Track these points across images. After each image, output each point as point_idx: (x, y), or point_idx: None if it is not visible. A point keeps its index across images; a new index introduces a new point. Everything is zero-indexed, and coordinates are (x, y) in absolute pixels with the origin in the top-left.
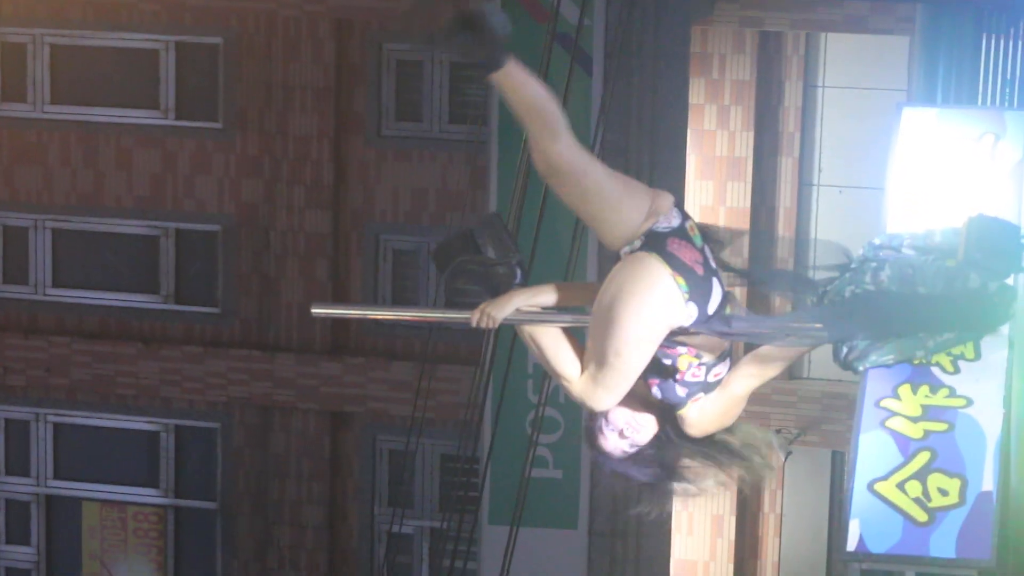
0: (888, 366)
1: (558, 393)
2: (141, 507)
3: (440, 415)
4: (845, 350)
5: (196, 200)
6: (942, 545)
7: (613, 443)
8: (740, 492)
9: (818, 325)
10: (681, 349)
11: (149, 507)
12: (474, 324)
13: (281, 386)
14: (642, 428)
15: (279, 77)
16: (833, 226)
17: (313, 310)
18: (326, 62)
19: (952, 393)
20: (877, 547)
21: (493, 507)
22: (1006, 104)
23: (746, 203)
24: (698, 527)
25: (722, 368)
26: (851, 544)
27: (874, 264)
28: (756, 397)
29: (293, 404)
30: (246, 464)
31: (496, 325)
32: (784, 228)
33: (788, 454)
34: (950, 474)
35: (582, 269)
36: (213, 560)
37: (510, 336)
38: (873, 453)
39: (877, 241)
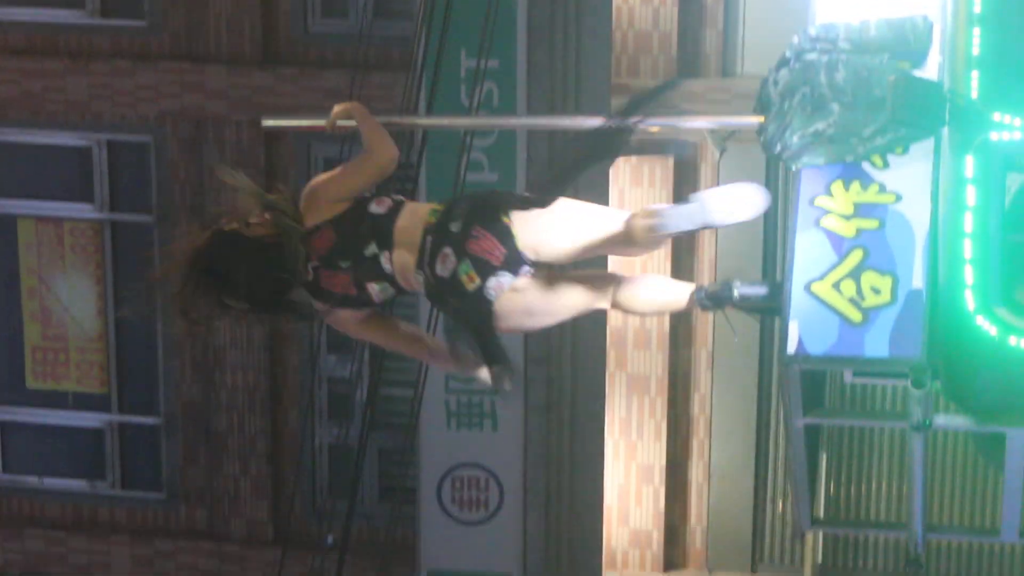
0: (819, 167)
1: (491, 97)
2: (77, 222)
3: None
4: (779, 147)
5: None
6: (876, 345)
7: None
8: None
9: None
10: None
11: (85, 222)
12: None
13: (213, 98)
14: None
15: None
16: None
17: (264, 123)
18: None
19: (882, 189)
20: (815, 349)
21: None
22: None
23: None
24: None
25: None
26: (791, 347)
27: (825, 59)
28: (689, 96)
29: (226, 116)
30: (180, 177)
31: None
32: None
33: (722, 151)
34: (882, 272)
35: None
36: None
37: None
38: (809, 253)
39: (812, 32)
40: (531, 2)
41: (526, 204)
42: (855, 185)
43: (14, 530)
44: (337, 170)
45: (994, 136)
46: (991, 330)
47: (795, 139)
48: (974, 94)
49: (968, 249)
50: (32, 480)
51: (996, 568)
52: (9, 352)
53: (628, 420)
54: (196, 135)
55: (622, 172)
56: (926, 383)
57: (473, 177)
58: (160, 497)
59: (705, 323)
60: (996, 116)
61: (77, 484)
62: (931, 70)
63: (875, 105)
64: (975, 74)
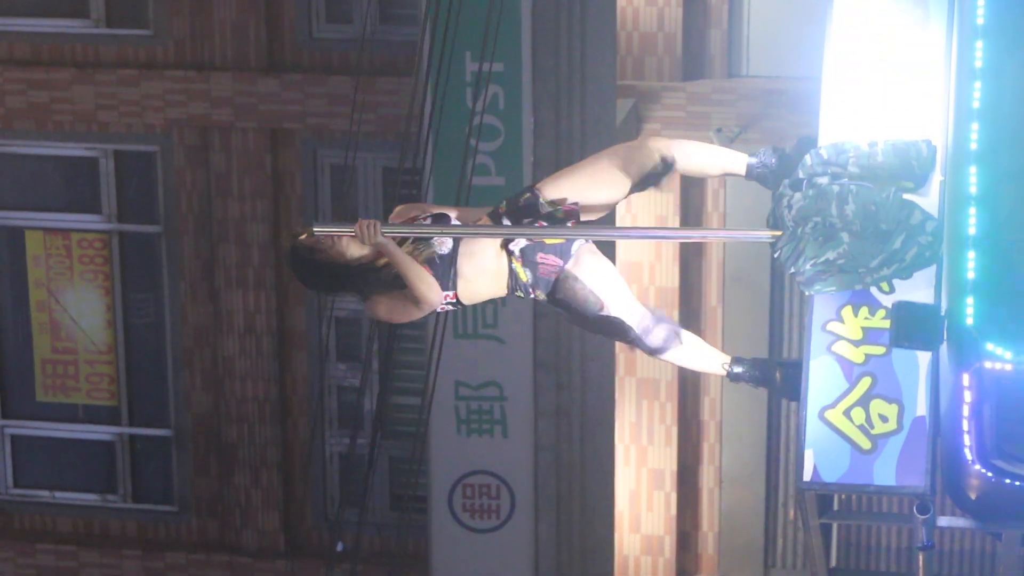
0: (830, 293)
1: (497, 100)
2: (84, 233)
3: (380, 128)
4: (793, 270)
5: None
6: (884, 473)
7: None
8: (683, 194)
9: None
10: None
11: (93, 233)
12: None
13: (219, 106)
14: None
15: None
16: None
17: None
18: None
19: (888, 314)
20: (829, 477)
21: None
22: None
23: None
24: None
25: None
26: (806, 474)
27: (836, 189)
28: (695, 97)
29: (232, 123)
30: (188, 186)
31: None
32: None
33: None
34: (888, 399)
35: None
36: (160, 282)
37: (440, 42)
38: (822, 380)
39: (824, 155)
40: (536, 5)
41: None
42: (863, 310)
43: (26, 545)
44: (383, 305)
45: (987, 364)
46: (988, 474)
47: (808, 266)
48: (968, 320)
49: (966, 424)
50: (43, 494)
51: None
52: (19, 365)
53: (638, 425)
54: (202, 143)
55: None
56: (929, 509)
57: (479, 181)
58: (171, 510)
59: (714, 328)
60: (989, 346)
61: (88, 497)
62: (933, 196)
63: (881, 237)
64: (970, 300)
